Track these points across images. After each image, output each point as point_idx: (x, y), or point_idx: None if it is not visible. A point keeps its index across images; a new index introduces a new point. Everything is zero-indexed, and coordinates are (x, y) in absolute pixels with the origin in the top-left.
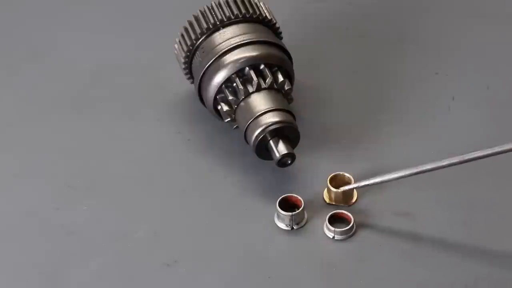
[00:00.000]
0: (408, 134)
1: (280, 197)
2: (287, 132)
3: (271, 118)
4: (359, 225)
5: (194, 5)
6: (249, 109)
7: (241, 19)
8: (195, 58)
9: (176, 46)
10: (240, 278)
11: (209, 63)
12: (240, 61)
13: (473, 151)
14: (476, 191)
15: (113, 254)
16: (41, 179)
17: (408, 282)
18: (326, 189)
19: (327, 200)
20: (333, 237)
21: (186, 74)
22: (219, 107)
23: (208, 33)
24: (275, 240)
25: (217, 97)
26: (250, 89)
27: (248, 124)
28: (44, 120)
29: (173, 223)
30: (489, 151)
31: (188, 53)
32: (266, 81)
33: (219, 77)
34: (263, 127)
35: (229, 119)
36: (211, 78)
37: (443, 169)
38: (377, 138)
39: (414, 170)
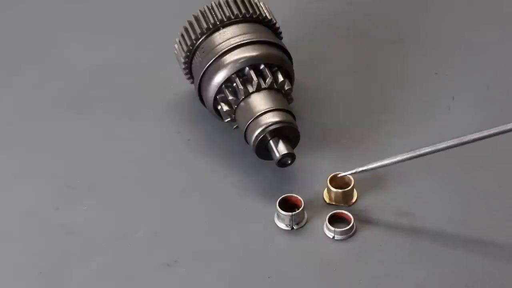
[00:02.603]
0: (408, 134)
1: (280, 197)
2: (287, 132)
3: (271, 118)
4: (359, 225)
5: (194, 5)
6: (249, 109)
7: (241, 19)
8: (195, 58)
9: (176, 46)
10: (240, 278)
11: (209, 63)
12: (240, 61)
13: (471, 134)
14: (476, 191)
15: (113, 254)
16: (41, 179)
17: (408, 282)
18: (326, 189)
19: (327, 200)
20: (333, 237)
21: (186, 74)
22: (219, 107)
23: (208, 33)
24: (275, 240)
25: (217, 97)
26: (250, 89)
27: (248, 124)
28: (44, 120)
29: (173, 223)
30: (486, 132)
31: (188, 53)
32: (266, 81)
33: (219, 77)
34: (263, 127)
35: (229, 119)
36: (211, 78)
37: (443, 169)
38: (377, 138)
39: (412, 154)
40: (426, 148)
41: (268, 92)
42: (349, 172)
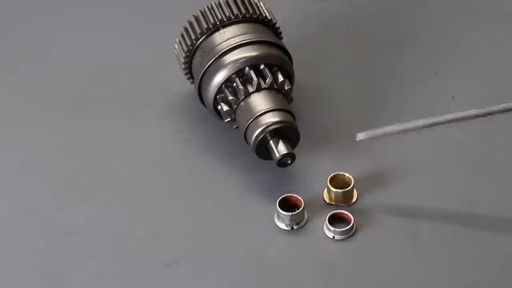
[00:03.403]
0: (408, 134)
1: (280, 197)
2: (287, 132)
3: (271, 118)
4: (359, 225)
5: (194, 5)
6: (249, 109)
7: (241, 19)
8: (195, 58)
9: (176, 46)
10: (240, 278)
11: (209, 63)
12: (240, 61)
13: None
14: (476, 191)
15: (113, 254)
16: (41, 179)
17: (408, 282)
18: (326, 189)
19: (327, 200)
20: (333, 237)
21: (186, 74)
22: (219, 107)
23: (208, 33)
24: (275, 240)
25: (217, 97)
26: (250, 89)
27: (248, 124)
28: (44, 120)
29: (173, 223)
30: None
31: (188, 53)
32: (266, 81)
33: (219, 77)
34: (263, 127)
35: (229, 119)
36: (211, 78)
37: (443, 169)
38: (377, 138)
39: (433, 120)
40: (446, 115)
41: (268, 92)
42: (365, 136)
